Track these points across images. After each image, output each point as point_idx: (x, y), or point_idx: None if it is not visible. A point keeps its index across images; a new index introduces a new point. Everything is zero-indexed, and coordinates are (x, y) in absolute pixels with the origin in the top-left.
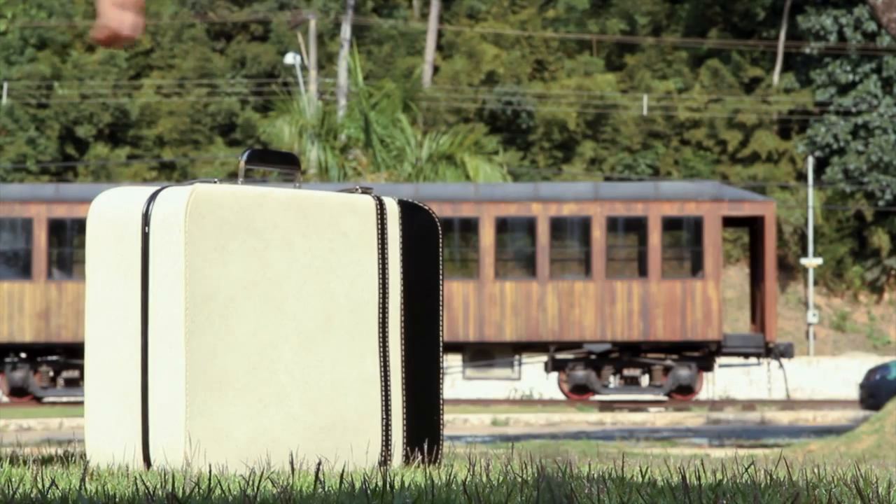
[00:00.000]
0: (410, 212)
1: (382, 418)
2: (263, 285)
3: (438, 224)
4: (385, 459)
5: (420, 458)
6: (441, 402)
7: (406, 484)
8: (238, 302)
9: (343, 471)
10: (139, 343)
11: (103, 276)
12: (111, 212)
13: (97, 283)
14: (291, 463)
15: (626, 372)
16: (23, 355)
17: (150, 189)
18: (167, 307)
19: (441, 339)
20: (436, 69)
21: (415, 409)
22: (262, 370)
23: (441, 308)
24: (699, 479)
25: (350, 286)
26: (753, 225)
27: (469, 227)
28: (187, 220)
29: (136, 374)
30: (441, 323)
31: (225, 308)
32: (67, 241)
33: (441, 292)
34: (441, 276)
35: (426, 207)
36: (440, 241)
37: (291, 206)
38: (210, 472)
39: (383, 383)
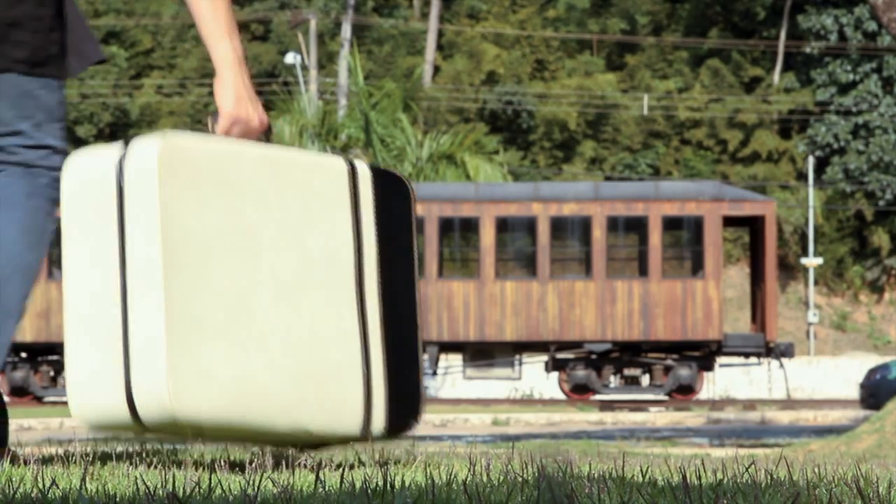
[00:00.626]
0: (382, 176)
1: (363, 372)
2: (239, 235)
3: (411, 188)
4: (367, 413)
5: (401, 416)
6: (420, 360)
7: (406, 483)
8: (214, 249)
9: (343, 470)
10: (119, 289)
11: (80, 229)
12: (85, 167)
13: (73, 238)
14: (292, 463)
15: (627, 371)
16: (23, 355)
17: (122, 143)
18: (145, 252)
19: (417, 300)
20: (436, 69)
21: (395, 365)
22: (241, 315)
23: (416, 270)
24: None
25: (325, 243)
26: (754, 225)
27: (469, 226)
28: (161, 169)
29: (118, 319)
30: (416, 284)
31: (201, 254)
32: None
33: (415, 255)
34: (414, 239)
35: (398, 173)
36: (413, 204)
37: (265, 162)
38: (211, 471)
39: (363, 338)
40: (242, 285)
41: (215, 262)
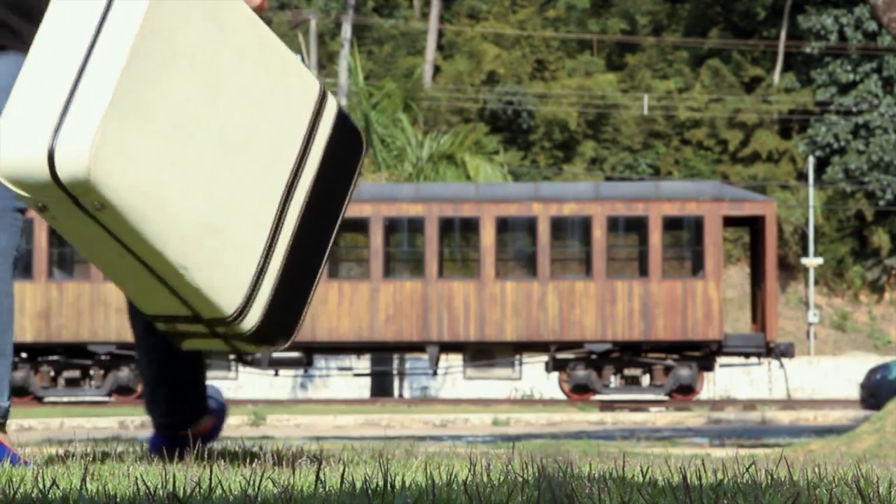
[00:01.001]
0: (344, 120)
1: (259, 263)
2: (207, 70)
3: (364, 146)
4: (247, 301)
5: (274, 327)
6: (310, 296)
7: (407, 483)
8: (182, 65)
9: (343, 470)
10: (85, 50)
11: (61, 13)
12: None
13: (54, 16)
14: (292, 463)
15: (627, 372)
16: (24, 355)
17: None
18: (124, 25)
19: (328, 247)
20: (436, 69)
21: (288, 281)
22: (181, 134)
23: (338, 220)
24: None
25: (275, 135)
26: (754, 225)
27: (470, 226)
28: None
29: (72, 78)
30: (334, 231)
31: (170, 60)
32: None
33: (344, 207)
34: (350, 193)
35: (359, 128)
36: (361, 161)
37: (255, 27)
38: (211, 471)
39: (271, 237)
40: (194, 111)
41: (180, 76)
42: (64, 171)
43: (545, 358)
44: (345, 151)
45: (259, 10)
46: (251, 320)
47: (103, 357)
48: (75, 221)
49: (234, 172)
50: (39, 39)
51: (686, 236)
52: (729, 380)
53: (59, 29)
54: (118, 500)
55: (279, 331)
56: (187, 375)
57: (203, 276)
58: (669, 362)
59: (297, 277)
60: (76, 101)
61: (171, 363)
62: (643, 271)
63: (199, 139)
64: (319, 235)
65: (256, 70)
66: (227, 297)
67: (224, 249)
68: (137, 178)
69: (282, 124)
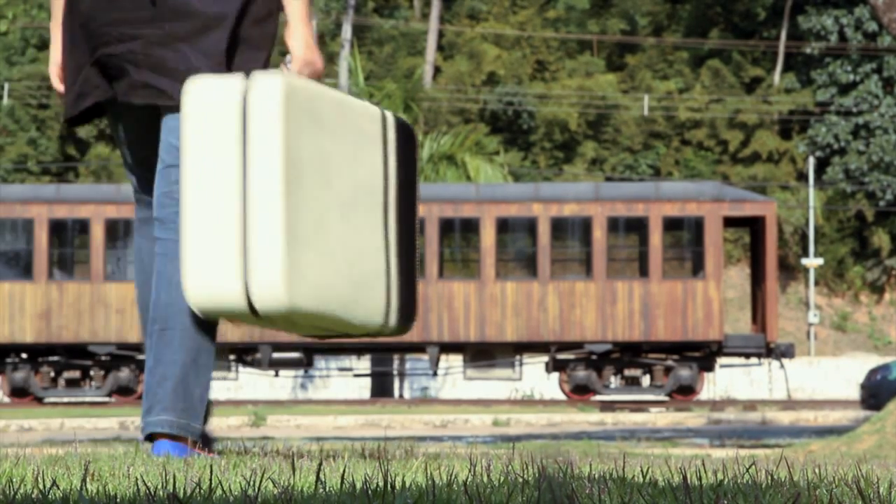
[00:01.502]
0: (400, 122)
1: (386, 282)
2: (320, 161)
3: (416, 134)
4: (387, 313)
5: (405, 317)
6: (416, 274)
7: (407, 484)
8: (307, 172)
9: (344, 471)
10: (239, 195)
11: (201, 143)
12: (207, 92)
13: (194, 149)
14: (292, 463)
15: (627, 372)
16: (24, 356)
17: (241, 76)
18: (267, 167)
19: (416, 224)
20: (437, 69)
21: (404, 277)
22: (321, 229)
23: (417, 199)
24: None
25: (366, 173)
26: (754, 225)
27: (470, 227)
28: (284, 100)
29: (237, 221)
30: (417, 212)
31: (300, 175)
32: (68, 241)
33: (418, 186)
34: (417, 174)
35: (409, 123)
36: (417, 146)
37: (336, 102)
38: (211, 472)
39: (386, 254)
40: (321, 203)
41: (308, 182)
42: (261, 305)
43: (545, 358)
44: (406, 147)
45: (323, 72)
46: (392, 323)
47: (104, 358)
48: (261, 321)
49: (352, 225)
50: (186, 164)
51: (686, 237)
52: (729, 380)
53: (204, 160)
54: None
55: (408, 315)
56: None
57: (360, 318)
58: (670, 363)
59: (407, 269)
60: (252, 238)
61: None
62: (643, 272)
63: (329, 220)
64: (411, 224)
65: (345, 134)
66: (375, 320)
67: (366, 291)
68: (311, 286)
69: (365, 161)
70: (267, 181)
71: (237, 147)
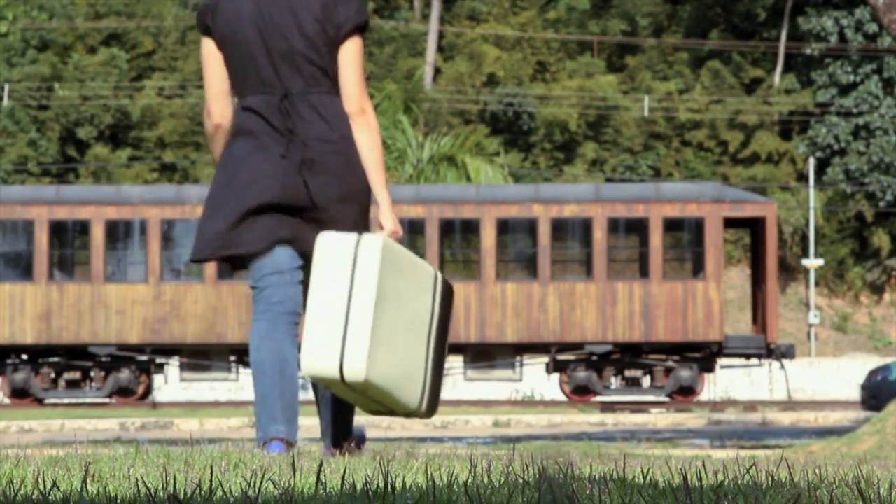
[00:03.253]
0: (446, 283)
1: (424, 379)
2: (394, 294)
3: (453, 289)
4: (421, 400)
5: (432, 405)
6: (442, 377)
7: (407, 485)
8: (388, 298)
9: (344, 471)
10: (344, 306)
11: (325, 271)
12: (332, 241)
13: (320, 274)
14: (293, 464)
15: (628, 373)
16: (24, 357)
17: (356, 234)
18: (366, 291)
19: (446, 343)
20: (437, 71)
21: (435, 380)
22: (391, 336)
23: (448, 328)
24: (700, 480)
25: (421, 307)
26: (754, 226)
27: (470, 228)
28: (382, 252)
29: (341, 321)
30: (448, 337)
31: (384, 299)
32: (68, 242)
33: (449, 323)
34: (450, 316)
35: (450, 283)
36: (454, 298)
37: (407, 258)
38: (212, 473)
39: (426, 361)
40: (393, 320)
41: (387, 306)
42: (348, 377)
43: (546, 359)
44: (446, 297)
45: (401, 236)
46: (423, 408)
47: (104, 359)
48: (344, 389)
49: (409, 338)
50: (314, 284)
51: (687, 237)
52: (729, 381)
53: (325, 282)
54: (119, 501)
55: (434, 404)
56: (345, 414)
57: (405, 401)
58: (670, 364)
59: (438, 375)
60: (350, 334)
61: (335, 406)
62: (644, 273)
63: (396, 332)
64: (444, 344)
65: (412, 280)
66: (414, 405)
67: (411, 383)
68: (380, 370)
69: (422, 300)
70: (364, 300)
71: (348, 276)
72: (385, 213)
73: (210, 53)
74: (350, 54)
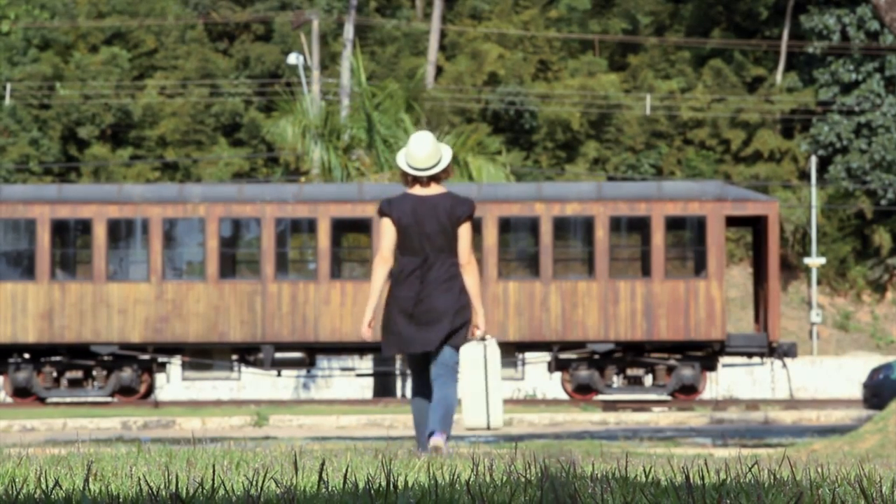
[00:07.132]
0: (489, 344)
1: (485, 405)
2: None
3: (488, 351)
4: (487, 419)
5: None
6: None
7: (410, 483)
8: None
9: (346, 471)
10: (483, 387)
11: (466, 366)
12: (469, 348)
13: (464, 368)
14: (295, 463)
15: (630, 372)
16: (26, 356)
17: (483, 341)
18: (494, 379)
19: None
20: (439, 69)
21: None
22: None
23: (500, 365)
24: (703, 478)
25: (478, 375)
26: (757, 224)
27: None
28: (496, 350)
29: (482, 394)
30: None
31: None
32: (70, 241)
33: (499, 358)
34: (500, 357)
35: (493, 342)
36: (499, 352)
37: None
38: (214, 472)
39: (486, 394)
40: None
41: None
42: (492, 427)
43: (548, 358)
44: (493, 351)
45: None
46: (489, 424)
47: (106, 358)
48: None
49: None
50: (464, 373)
51: (689, 236)
52: (732, 380)
53: (470, 372)
54: (121, 500)
55: (495, 422)
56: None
57: (473, 419)
58: (672, 362)
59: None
60: (490, 405)
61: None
62: (646, 271)
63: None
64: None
65: (482, 356)
66: (482, 424)
67: (480, 411)
68: (493, 422)
69: (478, 368)
70: (496, 382)
71: (482, 368)
72: (482, 319)
73: (388, 227)
74: (463, 231)
